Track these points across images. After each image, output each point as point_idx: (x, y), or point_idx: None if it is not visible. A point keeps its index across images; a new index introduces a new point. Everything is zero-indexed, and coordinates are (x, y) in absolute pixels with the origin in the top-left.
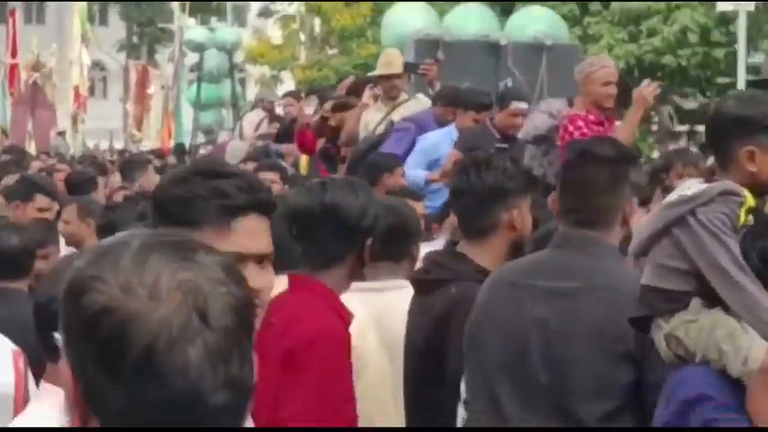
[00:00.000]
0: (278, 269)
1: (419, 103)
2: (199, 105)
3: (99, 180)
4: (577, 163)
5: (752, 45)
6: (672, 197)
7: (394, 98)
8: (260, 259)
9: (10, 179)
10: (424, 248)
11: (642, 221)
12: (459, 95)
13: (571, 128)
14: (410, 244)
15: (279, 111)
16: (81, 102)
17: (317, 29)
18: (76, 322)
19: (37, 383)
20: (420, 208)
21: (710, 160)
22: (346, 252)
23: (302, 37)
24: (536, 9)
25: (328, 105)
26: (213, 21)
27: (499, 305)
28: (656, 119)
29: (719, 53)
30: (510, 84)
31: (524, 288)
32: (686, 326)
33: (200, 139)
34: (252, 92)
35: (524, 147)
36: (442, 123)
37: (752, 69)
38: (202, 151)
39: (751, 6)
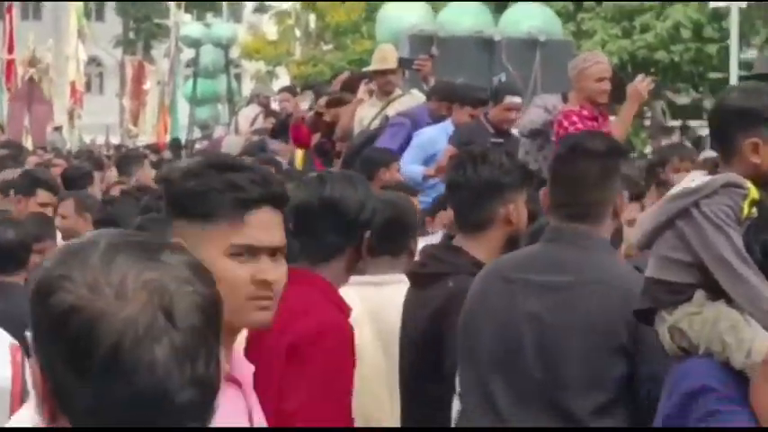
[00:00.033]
0: None
1: (413, 99)
2: (195, 101)
3: (95, 175)
4: (568, 157)
5: (744, 41)
6: (676, 189)
7: (388, 93)
8: (273, 252)
9: (7, 174)
10: (420, 243)
11: (644, 214)
12: (455, 91)
13: (566, 123)
14: (408, 238)
15: (274, 106)
16: (77, 97)
17: (312, 25)
18: (45, 321)
19: None
20: (414, 203)
21: (703, 155)
22: (345, 245)
23: (297, 33)
24: (530, 5)
25: (323, 101)
26: (209, 17)
27: (492, 299)
28: (648, 114)
29: (712, 49)
30: (504, 79)
31: (517, 282)
32: (690, 318)
33: (196, 134)
34: (247, 87)
35: (519, 141)
36: (436, 118)
37: (744, 65)
38: (198, 146)
39: (743, 3)
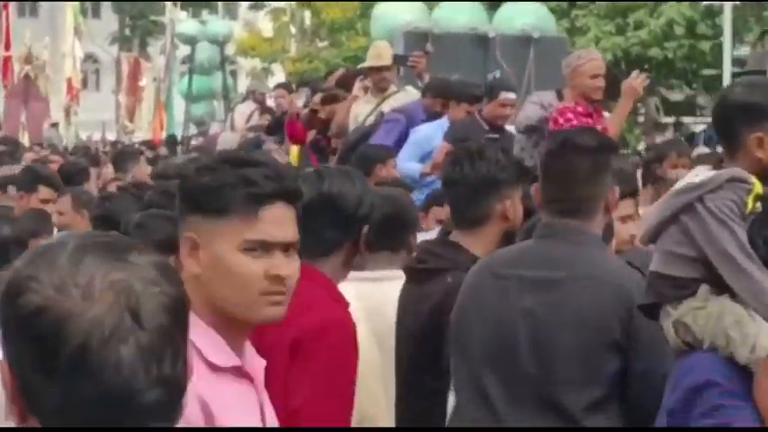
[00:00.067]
0: None
1: (408, 95)
2: (190, 97)
3: (91, 171)
4: (559, 153)
5: (737, 38)
6: (680, 184)
7: (383, 90)
8: (286, 247)
9: (4, 170)
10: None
11: (649, 209)
12: (451, 88)
13: (561, 120)
14: (408, 234)
15: (270, 102)
16: (74, 94)
17: (308, 21)
18: (13, 321)
19: None
20: None
21: (696, 151)
22: (343, 240)
23: (293, 29)
24: (524, 2)
25: (317, 98)
26: (205, 14)
27: (485, 295)
28: (642, 110)
29: (705, 46)
30: (498, 76)
31: (510, 279)
32: (694, 313)
33: (192, 130)
34: (243, 84)
35: (513, 137)
36: (431, 114)
37: (737, 62)
38: (194, 142)
39: (737, 0)
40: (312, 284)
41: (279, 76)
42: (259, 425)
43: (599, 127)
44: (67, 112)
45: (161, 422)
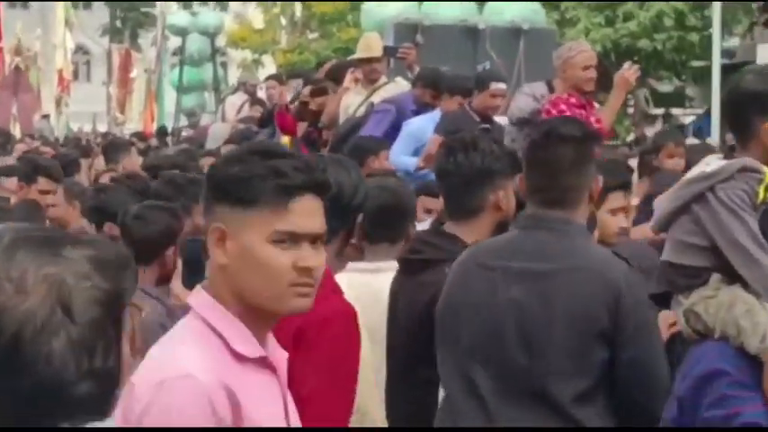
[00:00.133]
0: None
1: (398, 87)
2: (181, 89)
3: (82, 162)
4: (543, 143)
5: (726, 29)
6: (692, 173)
7: (374, 81)
8: (313, 239)
9: None
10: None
11: (660, 198)
12: (443, 80)
13: (554, 111)
14: (406, 224)
15: (261, 94)
16: (65, 85)
17: (298, 13)
18: None
19: None
20: None
21: (687, 142)
22: (339, 230)
23: (283, 21)
24: None
25: (307, 90)
26: (195, 5)
27: (471, 287)
28: (632, 102)
29: (694, 37)
30: (488, 67)
31: (496, 270)
32: (705, 301)
33: (183, 121)
34: (233, 75)
35: (503, 129)
36: (421, 105)
37: (726, 53)
38: (185, 134)
39: None
40: None
41: (269, 67)
42: (282, 415)
43: (593, 118)
44: (58, 104)
45: (93, 415)
